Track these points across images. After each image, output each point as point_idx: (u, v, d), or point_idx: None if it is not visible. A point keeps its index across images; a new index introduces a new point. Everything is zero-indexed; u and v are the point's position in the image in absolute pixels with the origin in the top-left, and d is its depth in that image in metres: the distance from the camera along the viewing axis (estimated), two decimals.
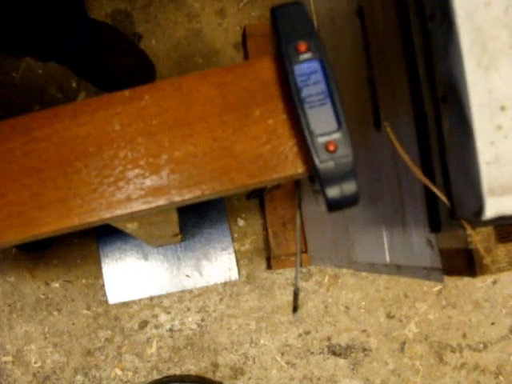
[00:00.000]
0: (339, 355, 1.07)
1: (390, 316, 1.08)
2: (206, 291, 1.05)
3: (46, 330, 1.03)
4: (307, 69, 0.37)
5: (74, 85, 1.05)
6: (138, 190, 0.39)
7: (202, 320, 1.05)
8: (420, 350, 1.08)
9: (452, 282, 1.10)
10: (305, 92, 0.36)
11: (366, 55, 0.57)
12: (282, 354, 1.06)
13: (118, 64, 0.97)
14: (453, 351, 1.09)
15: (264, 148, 0.39)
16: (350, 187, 0.36)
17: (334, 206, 0.37)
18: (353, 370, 1.07)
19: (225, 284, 1.06)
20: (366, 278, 1.08)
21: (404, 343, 1.08)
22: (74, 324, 1.03)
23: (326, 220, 0.84)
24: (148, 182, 0.39)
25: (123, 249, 1.04)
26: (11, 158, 0.40)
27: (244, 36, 1.06)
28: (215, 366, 1.05)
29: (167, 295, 1.04)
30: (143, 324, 1.04)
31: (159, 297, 1.04)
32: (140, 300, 1.04)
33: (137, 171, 0.39)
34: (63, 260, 1.04)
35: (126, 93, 0.40)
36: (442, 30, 0.38)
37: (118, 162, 0.39)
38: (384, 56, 0.52)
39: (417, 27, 0.42)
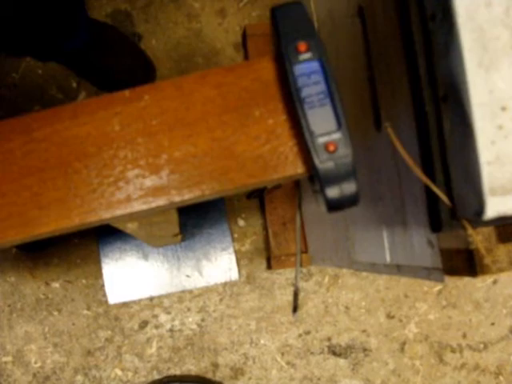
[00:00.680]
0: (339, 355, 1.07)
1: (390, 316, 1.08)
2: (206, 291, 1.05)
3: (46, 330, 1.03)
4: (307, 69, 0.37)
5: (74, 85, 1.05)
6: (137, 190, 0.39)
7: (202, 320, 1.05)
8: (420, 350, 1.08)
9: (452, 282, 1.10)
10: (305, 92, 0.36)
11: (366, 55, 0.57)
12: (282, 354, 1.06)
13: (118, 64, 0.97)
14: (453, 351, 1.09)
15: (264, 148, 0.39)
16: (349, 187, 0.36)
17: (333, 206, 0.37)
18: (353, 370, 1.07)
19: (225, 284, 1.06)
20: (366, 278, 1.08)
21: (404, 343, 1.08)
22: (74, 324, 1.03)
23: (327, 220, 0.84)
24: (148, 182, 0.39)
25: (123, 249, 1.04)
26: (11, 158, 0.40)
27: (244, 36, 1.06)
28: (215, 366, 1.05)
29: (167, 295, 1.04)
30: (143, 324, 1.04)
31: (159, 297, 1.04)
32: (140, 300, 1.04)
33: (137, 171, 0.39)
34: (63, 260, 1.04)
35: (126, 93, 0.40)
36: (442, 29, 0.38)
37: (118, 162, 0.39)
38: (384, 56, 0.52)
39: (417, 27, 0.42)
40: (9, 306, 1.03)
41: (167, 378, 1.03)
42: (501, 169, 0.36)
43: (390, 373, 1.07)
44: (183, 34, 1.08)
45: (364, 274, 1.08)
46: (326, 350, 1.07)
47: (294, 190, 1.02)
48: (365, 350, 1.07)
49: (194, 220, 1.05)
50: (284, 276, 1.07)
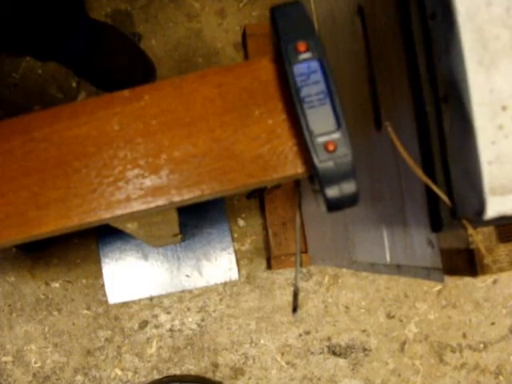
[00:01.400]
0: (339, 355, 1.07)
1: (390, 316, 1.08)
2: (205, 291, 1.05)
3: (46, 330, 1.03)
4: (307, 68, 0.37)
5: (74, 85, 1.05)
6: (137, 190, 0.39)
7: (202, 320, 1.05)
8: (420, 350, 1.08)
9: (452, 281, 1.10)
10: (304, 92, 0.36)
11: (366, 55, 0.57)
12: (282, 354, 1.06)
13: (117, 64, 0.97)
14: (453, 351, 1.09)
15: (264, 148, 0.39)
16: (349, 187, 0.36)
17: (333, 205, 0.37)
18: (353, 370, 1.07)
19: (225, 284, 1.06)
20: (366, 278, 1.08)
21: (404, 343, 1.08)
22: (73, 324, 1.03)
23: (327, 220, 0.84)
24: (148, 182, 0.39)
25: (123, 249, 1.04)
26: (11, 158, 0.39)
27: (244, 36, 1.06)
28: (215, 365, 1.05)
29: (167, 295, 1.04)
30: (143, 324, 1.04)
31: (159, 297, 1.04)
32: (140, 300, 1.04)
33: (136, 171, 0.39)
34: (63, 260, 1.04)
35: (126, 93, 0.40)
36: (442, 29, 0.38)
37: (118, 161, 0.39)
38: (384, 55, 0.52)
39: (417, 26, 0.42)
40: (9, 305, 1.03)
41: (167, 378, 1.03)
42: (501, 168, 0.36)
43: (389, 373, 1.07)
44: (183, 33, 1.08)
45: (364, 273, 1.08)
46: (325, 349, 1.07)
47: (294, 189, 1.02)
48: (365, 349, 1.07)
49: (194, 220, 1.05)
50: (284, 276, 1.07)
